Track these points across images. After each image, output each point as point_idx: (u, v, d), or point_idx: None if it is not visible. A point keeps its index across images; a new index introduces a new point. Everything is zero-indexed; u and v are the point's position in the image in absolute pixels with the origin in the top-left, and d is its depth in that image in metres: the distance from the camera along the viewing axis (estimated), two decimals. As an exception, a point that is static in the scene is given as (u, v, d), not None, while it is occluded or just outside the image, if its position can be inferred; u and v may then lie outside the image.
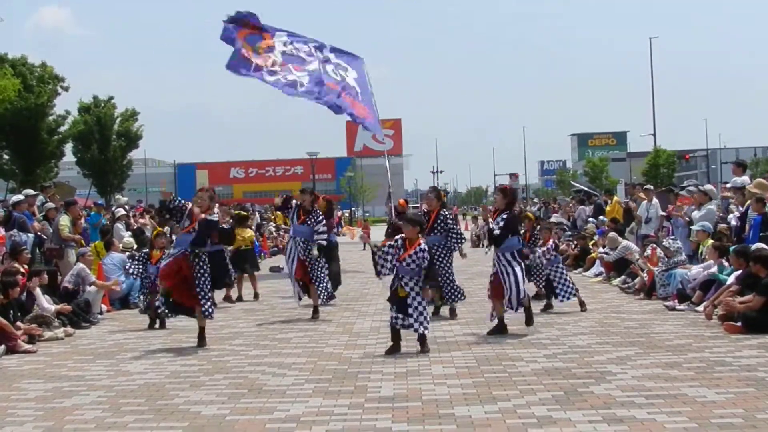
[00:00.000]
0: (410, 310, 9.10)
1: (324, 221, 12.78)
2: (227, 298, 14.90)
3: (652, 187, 20.05)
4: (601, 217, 21.07)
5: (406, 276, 9.17)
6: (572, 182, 29.54)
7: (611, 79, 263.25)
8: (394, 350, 9.12)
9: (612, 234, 17.13)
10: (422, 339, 9.20)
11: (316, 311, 12.40)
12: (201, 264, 10.03)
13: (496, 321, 10.34)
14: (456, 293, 11.99)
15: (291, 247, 12.79)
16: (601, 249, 17.62)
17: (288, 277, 13.29)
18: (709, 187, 16.11)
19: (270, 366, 8.70)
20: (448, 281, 11.95)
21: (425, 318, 9.16)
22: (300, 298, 12.66)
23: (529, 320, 10.51)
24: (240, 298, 15.31)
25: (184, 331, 11.51)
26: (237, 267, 15.21)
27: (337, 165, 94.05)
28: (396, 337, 9.22)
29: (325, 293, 12.68)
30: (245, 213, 18.48)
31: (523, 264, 10.30)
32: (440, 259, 11.79)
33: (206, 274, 10.06)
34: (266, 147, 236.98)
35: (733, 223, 13.68)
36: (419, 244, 9.21)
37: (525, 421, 6.20)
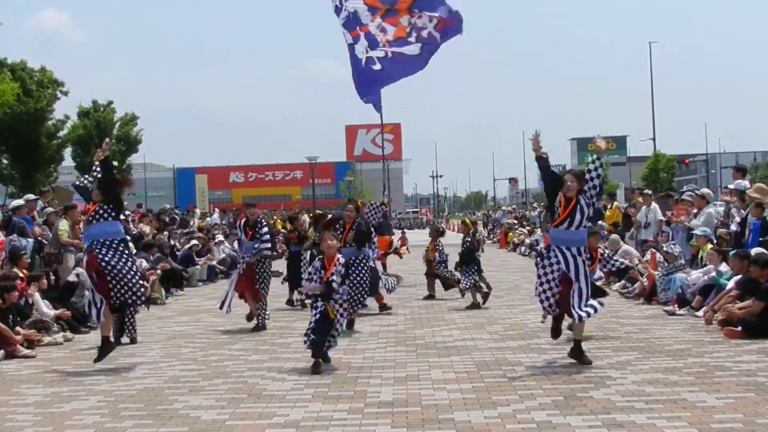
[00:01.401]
0: (333, 331, 8.71)
1: (267, 232, 12.24)
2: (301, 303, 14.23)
3: (650, 192, 20.06)
4: (600, 222, 21.06)
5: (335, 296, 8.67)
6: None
7: (611, 83, 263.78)
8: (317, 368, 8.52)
9: (614, 236, 17.13)
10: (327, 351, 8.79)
11: (257, 326, 11.89)
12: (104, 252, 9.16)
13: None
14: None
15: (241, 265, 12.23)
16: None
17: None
18: (706, 190, 16.11)
19: (269, 371, 8.69)
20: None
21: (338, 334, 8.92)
22: (228, 311, 11.87)
23: (554, 332, 9.00)
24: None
25: (182, 336, 11.51)
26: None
27: (337, 169, 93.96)
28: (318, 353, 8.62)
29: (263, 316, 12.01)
30: (321, 212, 18.44)
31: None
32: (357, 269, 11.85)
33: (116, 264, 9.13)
34: (266, 151, 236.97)
35: (734, 228, 13.68)
36: (337, 260, 8.77)
37: (525, 426, 6.19)
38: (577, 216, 8.40)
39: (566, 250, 8.44)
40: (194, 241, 20.95)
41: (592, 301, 8.43)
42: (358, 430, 6.28)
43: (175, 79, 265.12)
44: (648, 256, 14.70)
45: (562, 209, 8.49)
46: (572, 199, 8.45)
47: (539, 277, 8.66)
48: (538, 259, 9.43)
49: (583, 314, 8.28)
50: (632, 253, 15.95)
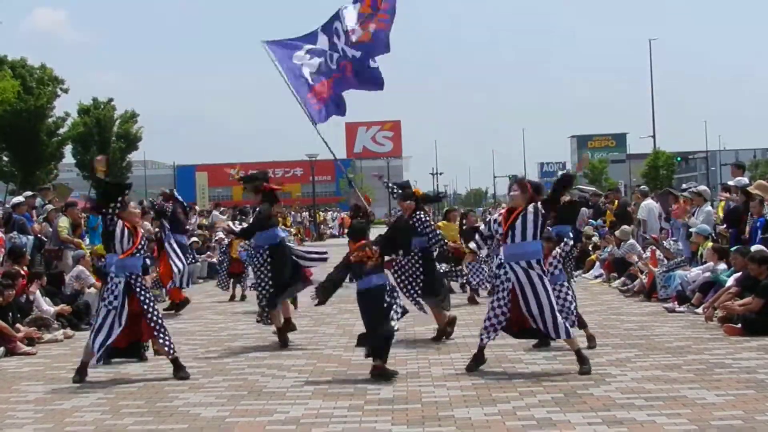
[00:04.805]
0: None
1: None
2: None
3: (647, 189, 20.12)
4: (590, 221, 21.07)
5: None
6: (576, 187, 29.70)
7: (611, 80, 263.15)
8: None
9: (625, 227, 17.13)
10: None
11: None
12: (144, 288, 8.53)
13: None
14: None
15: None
16: (609, 247, 17.44)
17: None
18: (703, 188, 16.11)
19: (269, 368, 8.70)
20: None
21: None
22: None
23: (583, 363, 7.90)
24: None
25: (183, 333, 11.50)
26: None
27: (337, 167, 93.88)
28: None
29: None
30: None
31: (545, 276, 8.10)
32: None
33: (153, 300, 8.57)
34: (265, 149, 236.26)
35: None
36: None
37: (524, 423, 6.20)
38: (518, 228, 7.96)
39: (516, 265, 7.99)
40: (194, 239, 20.96)
41: (562, 321, 7.92)
42: (358, 427, 6.28)
43: (175, 77, 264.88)
44: (648, 254, 14.70)
45: (504, 223, 8.10)
46: (514, 210, 8.08)
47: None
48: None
49: (562, 334, 7.87)
50: (636, 250, 15.94)
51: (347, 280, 8.30)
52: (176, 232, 14.21)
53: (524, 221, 8.00)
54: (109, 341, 8.16)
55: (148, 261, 8.71)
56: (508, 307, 8.03)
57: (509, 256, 8.06)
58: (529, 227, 8.00)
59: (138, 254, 8.47)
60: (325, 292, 8.07)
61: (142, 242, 8.55)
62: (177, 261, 13.57)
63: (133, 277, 8.38)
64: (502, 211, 8.41)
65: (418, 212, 10.27)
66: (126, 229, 8.36)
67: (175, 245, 13.78)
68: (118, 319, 8.19)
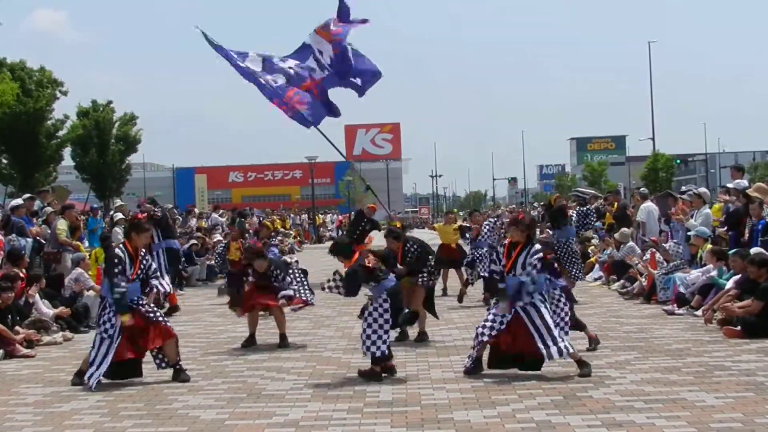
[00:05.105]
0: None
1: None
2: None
3: (646, 191, 20.11)
4: (595, 224, 21.03)
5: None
6: (576, 189, 29.40)
7: (610, 82, 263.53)
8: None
9: (624, 230, 17.11)
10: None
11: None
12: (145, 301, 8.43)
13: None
14: None
15: None
16: (609, 250, 17.43)
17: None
18: (703, 190, 16.11)
19: (269, 370, 8.69)
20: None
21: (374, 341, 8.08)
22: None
23: (583, 367, 7.98)
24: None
25: (182, 336, 11.47)
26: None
27: (336, 169, 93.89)
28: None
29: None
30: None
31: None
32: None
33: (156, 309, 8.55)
34: (265, 151, 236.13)
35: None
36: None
37: (524, 425, 6.20)
38: (518, 268, 8.02)
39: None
40: (193, 241, 20.97)
41: (562, 340, 7.91)
42: (357, 429, 6.28)
43: (175, 77, 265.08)
44: (647, 256, 14.69)
45: (507, 257, 8.17)
46: (517, 244, 8.14)
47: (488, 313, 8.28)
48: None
49: (554, 353, 7.79)
50: (636, 252, 15.92)
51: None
52: (167, 238, 14.23)
53: (529, 257, 8.06)
54: (105, 365, 8.03)
55: (157, 283, 8.60)
56: (505, 323, 7.98)
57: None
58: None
59: (137, 280, 8.36)
60: (353, 287, 8.27)
61: (143, 265, 8.41)
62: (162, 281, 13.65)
63: (135, 300, 8.26)
64: (505, 242, 8.50)
65: (406, 245, 10.41)
66: (127, 253, 8.25)
67: (163, 257, 13.83)
68: (113, 345, 8.08)
